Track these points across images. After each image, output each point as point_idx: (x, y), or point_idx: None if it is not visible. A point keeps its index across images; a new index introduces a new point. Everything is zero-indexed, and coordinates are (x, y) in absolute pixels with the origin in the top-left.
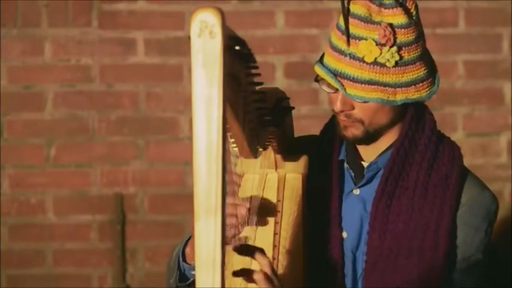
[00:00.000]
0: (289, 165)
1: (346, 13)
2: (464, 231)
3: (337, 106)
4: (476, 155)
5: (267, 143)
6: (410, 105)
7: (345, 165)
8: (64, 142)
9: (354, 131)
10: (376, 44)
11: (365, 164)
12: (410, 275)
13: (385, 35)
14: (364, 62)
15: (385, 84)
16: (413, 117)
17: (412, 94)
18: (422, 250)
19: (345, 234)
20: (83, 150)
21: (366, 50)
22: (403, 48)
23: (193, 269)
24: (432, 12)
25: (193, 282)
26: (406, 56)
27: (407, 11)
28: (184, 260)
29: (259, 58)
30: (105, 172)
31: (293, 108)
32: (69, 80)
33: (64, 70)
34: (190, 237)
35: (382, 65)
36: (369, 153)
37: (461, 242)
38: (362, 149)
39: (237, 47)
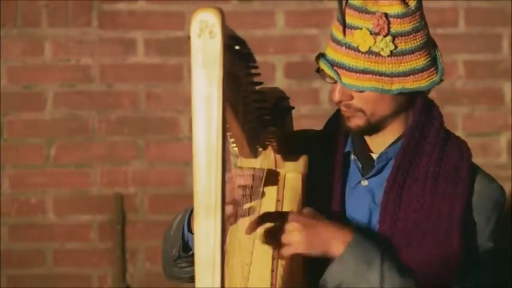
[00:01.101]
0: (289, 164)
1: (343, 3)
2: (476, 221)
3: (336, 96)
4: (476, 155)
5: (266, 143)
6: (419, 96)
7: (352, 156)
8: (64, 142)
9: (356, 121)
10: (371, 33)
11: (374, 156)
12: (424, 262)
13: (378, 24)
14: (359, 51)
15: (381, 74)
16: (423, 108)
17: (410, 84)
18: (436, 238)
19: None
20: (83, 150)
21: (361, 39)
22: (399, 37)
23: None
24: (432, 12)
25: None
26: (403, 46)
27: (403, 1)
28: (189, 230)
29: (259, 58)
30: (105, 172)
31: (293, 108)
32: (69, 80)
33: (64, 70)
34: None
35: (377, 54)
36: (376, 145)
37: (473, 231)
38: (369, 141)
39: (237, 47)
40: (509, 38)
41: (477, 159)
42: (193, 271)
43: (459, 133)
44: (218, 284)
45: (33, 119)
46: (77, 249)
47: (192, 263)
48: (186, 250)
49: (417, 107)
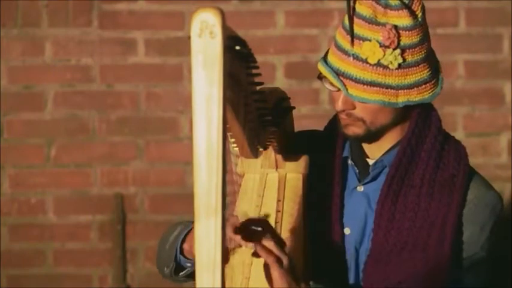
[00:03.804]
0: (290, 165)
1: (351, 13)
2: (470, 229)
3: (339, 105)
4: (476, 155)
5: (267, 143)
6: (416, 105)
7: (349, 161)
8: (64, 142)
9: (355, 129)
10: (380, 46)
11: (370, 161)
12: (414, 269)
13: (389, 37)
14: (367, 63)
15: (387, 86)
16: (420, 115)
17: (415, 96)
18: (428, 246)
19: (348, 231)
20: (83, 150)
21: (370, 51)
22: (407, 50)
23: (192, 264)
24: (432, 12)
25: (190, 274)
26: (410, 58)
27: (412, 13)
28: (181, 253)
29: (259, 58)
30: (105, 172)
31: (293, 108)
32: (69, 80)
33: (64, 70)
34: (189, 232)
35: (385, 67)
36: (373, 151)
37: (467, 240)
38: (367, 146)
39: (238, 47)
40: (510, 38)
41: (477, 159)
42: (189, 280)
43: (459, 133)
44: (218, 284)
45: (33, 119)
46: (77, 249)
47: (187, 277)
48: (179, 271)
49: (414, 114)
